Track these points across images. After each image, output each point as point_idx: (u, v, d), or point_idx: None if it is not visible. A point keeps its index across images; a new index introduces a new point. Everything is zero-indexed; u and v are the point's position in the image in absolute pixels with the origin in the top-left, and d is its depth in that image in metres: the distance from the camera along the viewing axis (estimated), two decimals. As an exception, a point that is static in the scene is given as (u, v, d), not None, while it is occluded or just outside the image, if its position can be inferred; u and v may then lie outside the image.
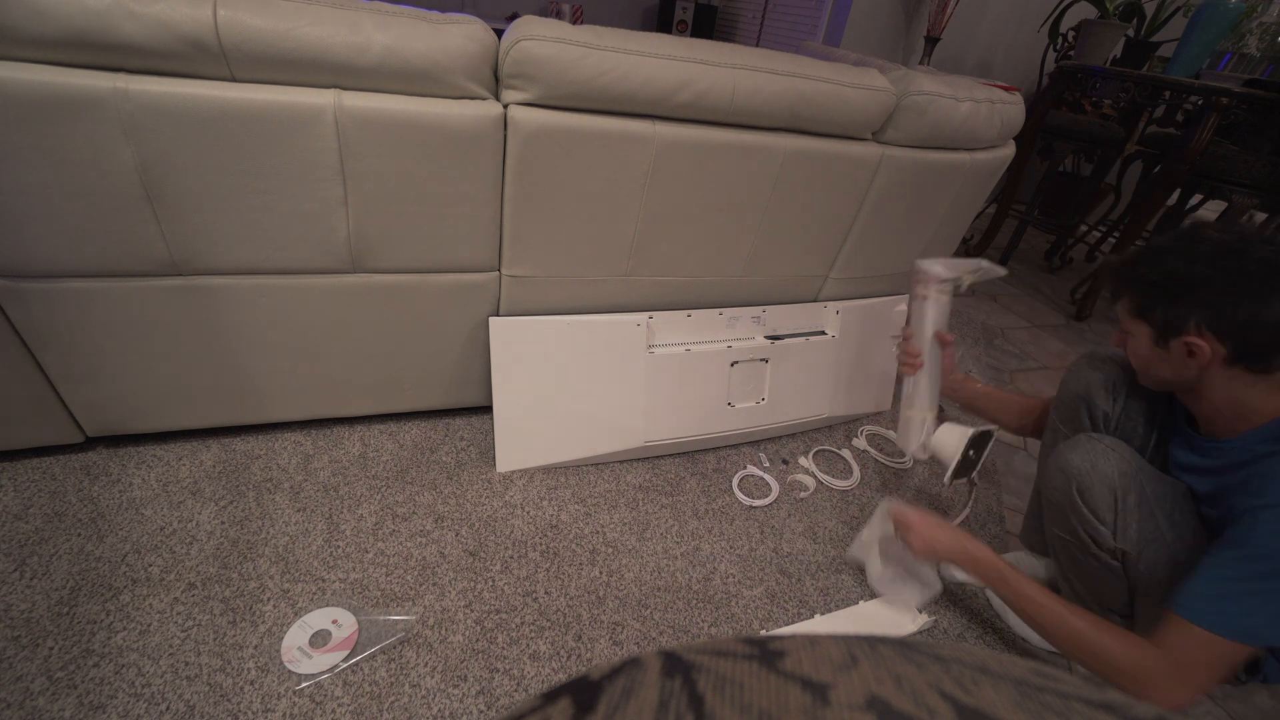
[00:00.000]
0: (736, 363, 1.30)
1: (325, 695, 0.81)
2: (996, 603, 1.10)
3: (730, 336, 1.32)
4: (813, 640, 0.15)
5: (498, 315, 1.16)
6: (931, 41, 2.78)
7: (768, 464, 1.34)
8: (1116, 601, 0.91)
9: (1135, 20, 2.42)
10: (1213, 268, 0.72)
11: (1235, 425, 0.78)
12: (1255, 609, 0.69)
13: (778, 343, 1.34)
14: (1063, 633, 0.81)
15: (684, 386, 1.26)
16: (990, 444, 1.12)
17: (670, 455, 1.32)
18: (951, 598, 1.10)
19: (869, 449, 1.44)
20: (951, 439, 1.09)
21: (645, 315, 1.22)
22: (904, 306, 1.52)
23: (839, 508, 1.26)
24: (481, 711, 0.82)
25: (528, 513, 1.12)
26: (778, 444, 1.41)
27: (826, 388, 1.43)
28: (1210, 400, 0.79)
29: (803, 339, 1.37)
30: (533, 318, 1.15)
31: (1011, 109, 1.34)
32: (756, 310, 1.33)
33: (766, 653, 0.15)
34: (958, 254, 1.34)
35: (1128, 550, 0.84)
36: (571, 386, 1.19)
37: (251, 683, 0.81)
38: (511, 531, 1.08)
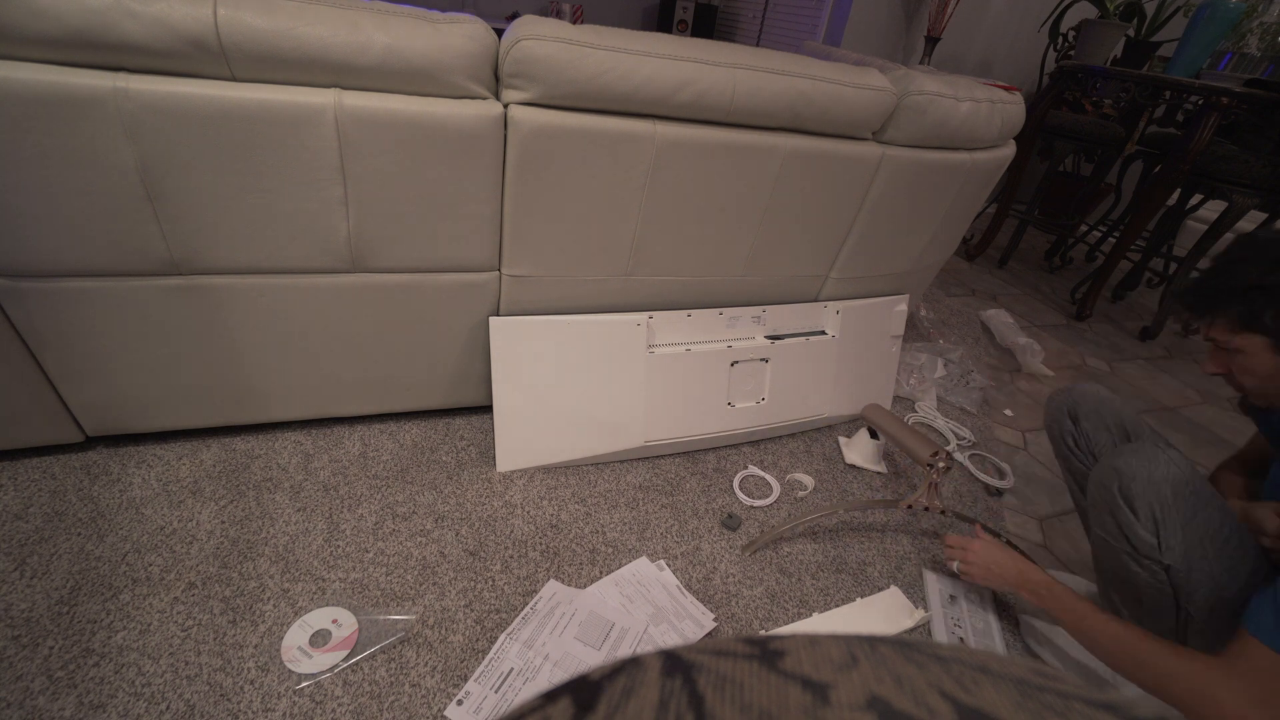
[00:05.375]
0: (736, 363, 1.30)
1: (325, 695, 0.81)
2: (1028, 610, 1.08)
3: (730, 336, 1.32)
4: (813, 640, 0.15)
5: (498, 315, 1.16)
6: (931, 41, 2.78)
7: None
8: (1164, 624, 0.84)
9: (1135, 20, 2.42)
10: None
11: None
12: None
13: (778, 343, 1.34)
14: (1127, 654, 0.77)
15: (684, 386, 1.26)
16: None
17: (670, 455, 1.32)
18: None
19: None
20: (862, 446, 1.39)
21: (645, 315, 1.21)
22: (903, 306, 1.52)
23: (839, 507, 1.26)
24: (481, 711, 0.82)
25: (528, 512, 1.12)
26: (778, 444, 1.41)
27: (826, 388, 1.43)
28: None
29: (803, 339, 1.37)
30: (533, 318, 1.15)
31: (1012, 109, 1.34)
32: (756, 310, 1.33)
33: (767, 652, 0.15)
34: (958, 253, 1.35)
35: (1173, 565, 0.79)
36: (571, 386, 1.19)
37: (251, 682, 0.81)
38: (511, 531, 1.08)
